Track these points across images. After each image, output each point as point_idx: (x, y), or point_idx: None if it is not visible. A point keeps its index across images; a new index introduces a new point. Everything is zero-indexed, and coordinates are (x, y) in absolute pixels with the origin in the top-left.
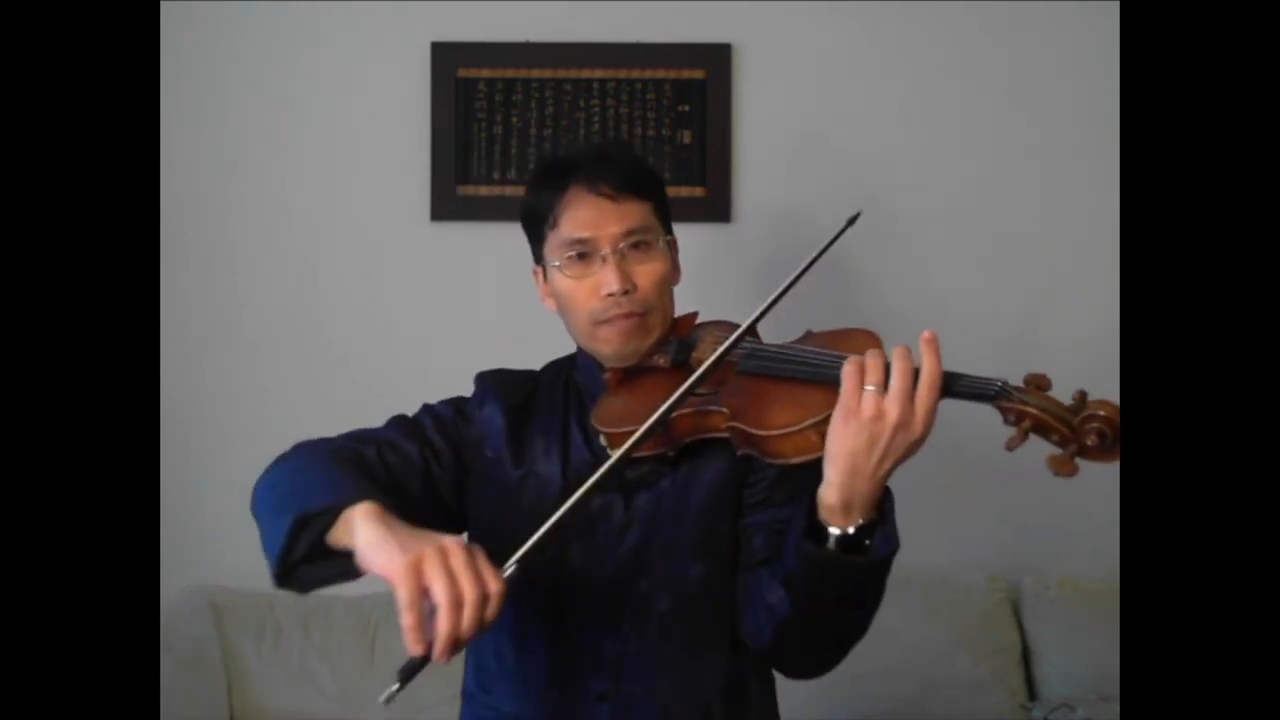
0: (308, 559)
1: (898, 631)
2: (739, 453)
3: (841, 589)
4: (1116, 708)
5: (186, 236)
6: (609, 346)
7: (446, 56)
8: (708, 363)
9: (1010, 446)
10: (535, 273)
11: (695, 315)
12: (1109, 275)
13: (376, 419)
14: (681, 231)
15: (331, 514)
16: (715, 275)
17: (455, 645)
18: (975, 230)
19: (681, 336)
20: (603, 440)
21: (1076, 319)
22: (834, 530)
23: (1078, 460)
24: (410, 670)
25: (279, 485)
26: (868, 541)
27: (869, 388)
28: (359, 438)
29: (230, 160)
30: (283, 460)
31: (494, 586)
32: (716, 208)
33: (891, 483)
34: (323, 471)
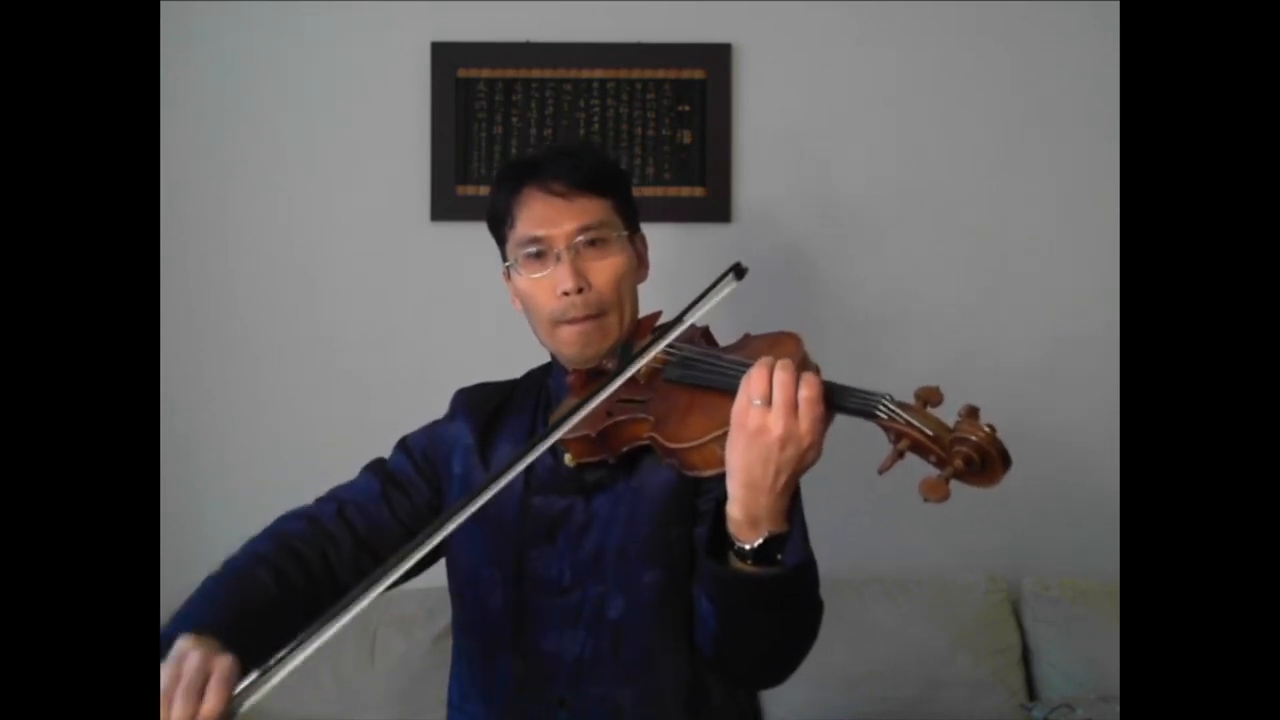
0: None
1: (898, 631)
2: (663, 462)
3: (758, 600)
4: (1116, 708)
5: (186, 237)
6: (568, 349)
7: (446, 56)
8: (608, 391)
9: (881, 469)
10: (504, 274)
11: (659, 315)
12: (1108, 278)
13: (376, 418)
14: (681, 231)
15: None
16: (715, 275)
17: None
18: (975, 232)
19: (636, 339)
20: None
21: (1075, 322)
22: (742, 544)
23: (953, 483)
24: None
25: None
26: (780, 555)
27: (755, 402)
28: (326, 498)
29: (229, 160)
30: (242, 550)
31: (209, 708)
32: (716, 208)
33: (892, 483)
34: (215, 594)
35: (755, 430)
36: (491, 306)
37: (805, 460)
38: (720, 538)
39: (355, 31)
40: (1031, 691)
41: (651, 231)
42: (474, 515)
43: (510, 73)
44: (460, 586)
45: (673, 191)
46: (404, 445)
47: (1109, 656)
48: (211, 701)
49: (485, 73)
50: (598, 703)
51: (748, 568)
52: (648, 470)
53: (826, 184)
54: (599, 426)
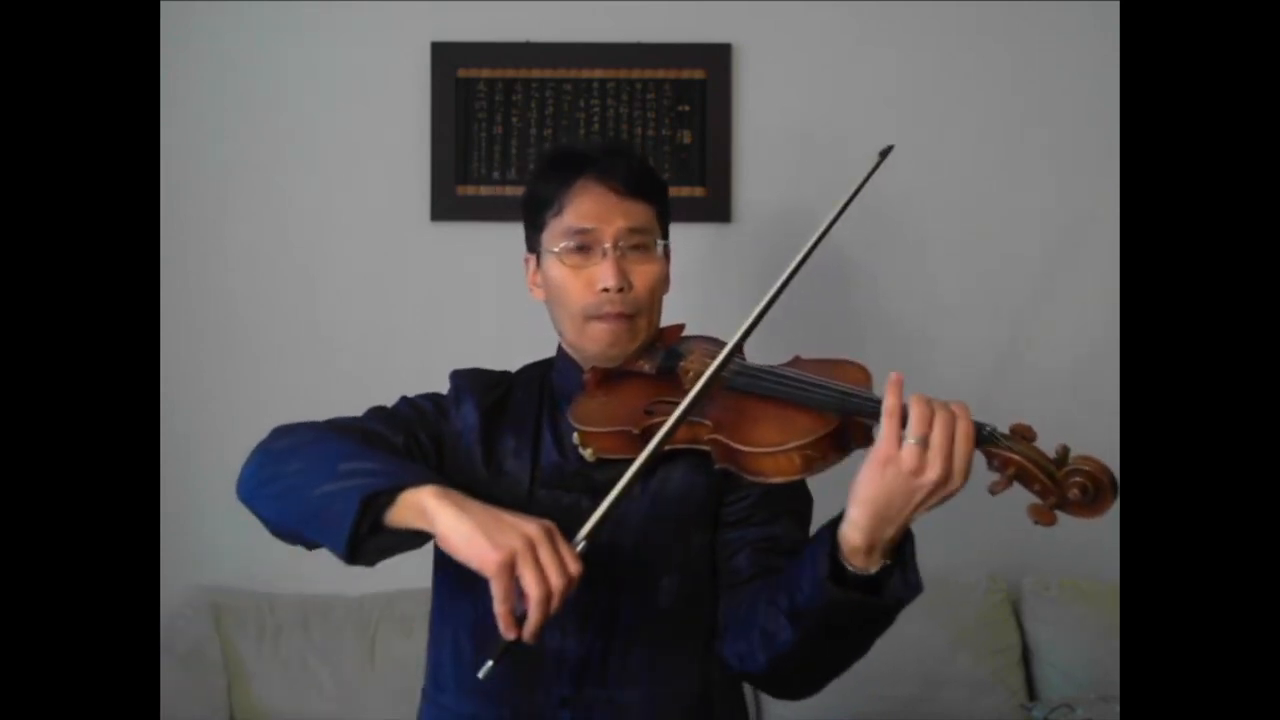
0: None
1: (898, 631)
2: (717, 466)
3: (853, 628)
4: (1116, 708)
5: (186, 237)
6: (596, 345)
7: (446, 56)
8: (718, 361)
9: (994, 491)
10: (527, 260)
11: (682, 327)
12: (1108, 279)
13: None
14: (681, 231)
15: (393, 495)
16: (715, 275)
17: (542, 628)
18: (975, 232)
19: (660, 346)
20: (575, 439)
21: (1075, 323)
22: (855, 571)
23: (1057, 512)
24: (505, 650)
25: (303, 470)
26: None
27: (910, 440)
28: (339, 425)
29: (230, 161)
30: (281, 438)
31: (574, 570)
32: (716, 208)
33: None
34: (353, 449)
35: (911, 470)
36: (492, 306)
37: (947, 498)
38: (834, 564)
39: (355, 31)
40: (1031, 691)
41: None
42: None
43: (510, 73)
44: (449, 575)
45: (673, 191)
46: (411, 403)
47: (1109, 656)
48: (576, 565)
49: (485, 73)
50: (604, 704)
51: (860, 595)
52: (673, 474)
53: (826, 184)
54: (642, 424)
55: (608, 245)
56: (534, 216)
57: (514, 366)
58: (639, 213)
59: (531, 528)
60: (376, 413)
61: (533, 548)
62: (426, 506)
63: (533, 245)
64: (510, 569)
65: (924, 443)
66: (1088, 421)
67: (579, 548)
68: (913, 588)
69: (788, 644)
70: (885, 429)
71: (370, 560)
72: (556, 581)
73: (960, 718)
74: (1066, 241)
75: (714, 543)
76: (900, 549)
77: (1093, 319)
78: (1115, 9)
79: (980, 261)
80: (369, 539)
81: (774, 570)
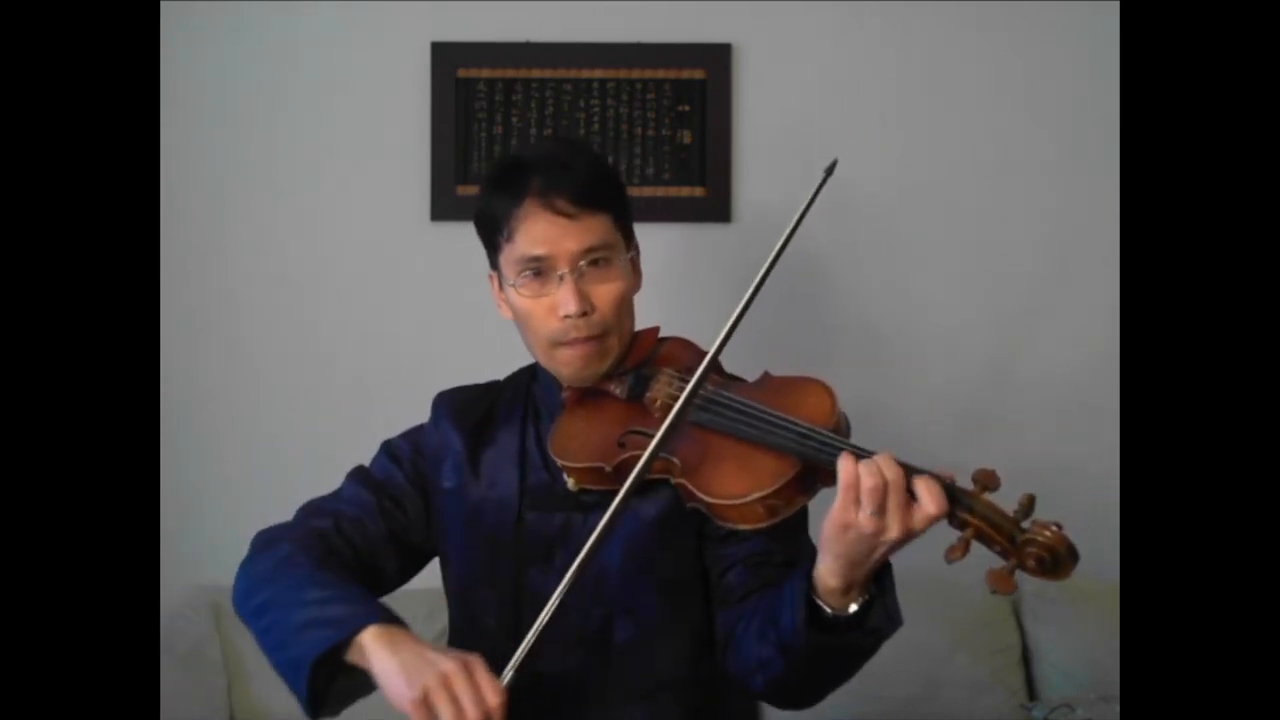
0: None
1: (898, 632)
2: (688, 506)
3: (839, 659)
4: (1116, 708)
5: (186, 237)
6: (567, 369)
7: (446, 56)
8: (676, 408)
9: (949, 559)
10: (490, 278)
11: (656, 330)
12: (1108, 282)
13: (376, 418)
14: (681, 231)
15: (343, 646)
16: (715, 275)
17: None
18: (973, 236)
19: (639, 360)
20: (559, 465)
21: (1075, 327)
22: (832, 610)
23: (1017, 576)
24: None
25: (269, 611)
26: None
27: (866, 511)
28: (314, 511)
29: (229, 160)
30: (257, 566)
31: (494, 701)
32: (716, 208)
33: None
34: (313, 591)
35: (871, 533)
36: (492, 307)
37: (910, 542)
38: (809, 603)
39: (355, 31)
40: (1031, 691)
41: (652, 231)
42: (469, 532)
43: (510, 73)
44: (455, 603)
45: (673, 191)
46: (391, 452)
47: (1109, 656)
48: (495, 696)
49: (485, 73)
50: None
51: (844, 638)
52: (653, 493)
53: (827, 184)
54: (613, 460)
55: (564, 270)
56: (488, 236)
57: (514, 367)
58: (593, 229)
59: (448, 664)
60: (356, 476)
61: (447, 683)
62: (365, 647)
63: (494, 263)
64: (425, 706)
65: (880, 511)
66: (1085, 432)
67: (505, 679)
68: (893, 620)
69: (781, 673)
70: (841, 498)
71: (336, 711)
72: (472, 713)
73: (960, 718)
74: (1065, 247)
75: (702, 554)
76: (879, 580)
77: (1089, 318)
78: (1115, 9)
79: (981, 262)
80: (329, 688)
81: (769, 584)
